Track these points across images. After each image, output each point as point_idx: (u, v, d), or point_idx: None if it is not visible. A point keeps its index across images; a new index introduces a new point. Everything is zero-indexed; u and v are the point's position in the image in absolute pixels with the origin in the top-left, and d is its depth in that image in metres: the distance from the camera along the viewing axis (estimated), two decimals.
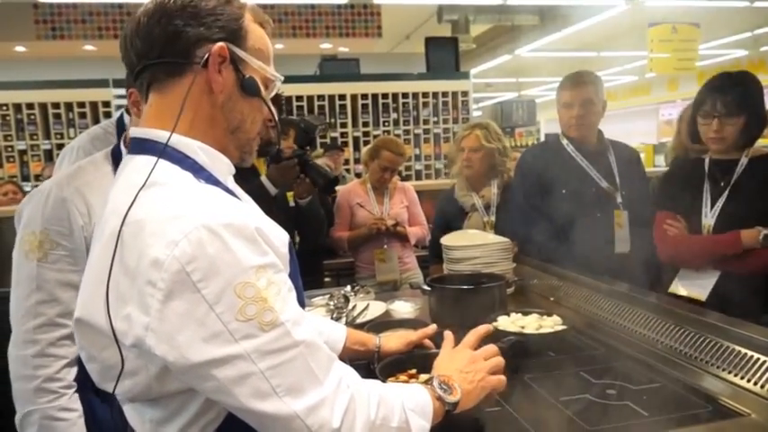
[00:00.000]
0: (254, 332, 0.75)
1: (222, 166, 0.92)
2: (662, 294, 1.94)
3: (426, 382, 0.98)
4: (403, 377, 1.21)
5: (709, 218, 2.01)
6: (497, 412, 1.17)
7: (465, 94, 5.86)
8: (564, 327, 1.55)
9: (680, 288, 2.05)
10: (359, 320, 1.82)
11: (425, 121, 5.81)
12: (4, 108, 5.18)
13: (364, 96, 5.64)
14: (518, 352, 1.39)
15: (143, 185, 0.81)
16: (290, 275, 0.85)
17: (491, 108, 10.72)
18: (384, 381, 1.13)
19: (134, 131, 0.91)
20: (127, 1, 5.97)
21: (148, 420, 0.86)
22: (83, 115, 5.26)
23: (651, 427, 1.12)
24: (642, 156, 3.18)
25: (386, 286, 3.04)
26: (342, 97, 5.59)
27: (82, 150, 1.85)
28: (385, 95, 5.69)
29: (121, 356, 0.79)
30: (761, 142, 2.25)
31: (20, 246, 1.37)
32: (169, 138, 0.86)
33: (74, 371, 1.38)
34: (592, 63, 9.08)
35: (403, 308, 1.90)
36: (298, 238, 2.68)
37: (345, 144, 5.57)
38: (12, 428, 1.37)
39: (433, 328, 1.42)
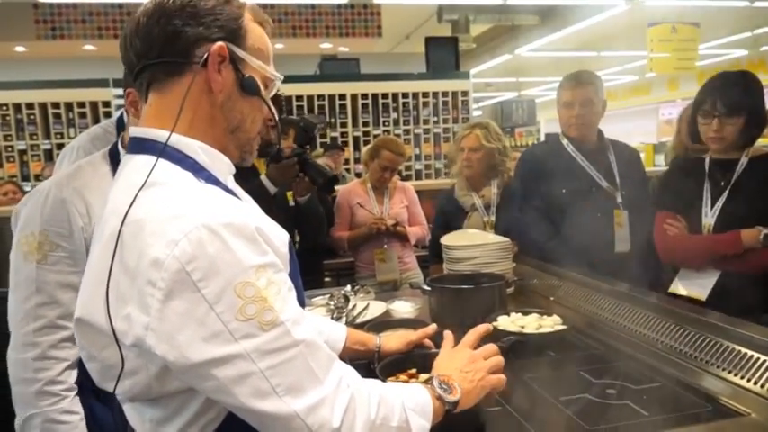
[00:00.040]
0: (253, 332, 0.75)
1: (222, 166, 0.92)
2: (662, 294, 1.94)
3: (426, 382, 0.98)
4: (403, 377, 1.21)
5: (709, 217, 2.01)
6: (497, 412, 1.17)
7: (465, 93, 5.87)
8: (564, 326, 1.55)
9: (680, 288, 2.05)
10: (359, 320, 1.82)
11: (425, 121, 5.81)
12: (4, 108, 5.18)
13: (364, 96, 5.64)
14: (518, 352, 1.39)
15: (143, 185, 0.81)
16: (290, 275, 0.85)
17: (491, 108, 10.72)
18: (384, 380, 1.13)
19: (133, 131, 0.91)
20: (127, 1, 5.97)
21: (148, 420, 0.86)
22: (83, 115, 5.26)
23: (651, 426, 1.11)
24: (642, 155, 3.18)
25: (386, 286, 3.04)
26: (342, 97, 5.59)
27: (82, 150, 1.85)
28: (385, 95, 5.69)
29: (121, 356, 0.79)
30: (761, 142, 2.25)
31: (18, 247, 1.35)
32: (168, 137, 0.86)
33: (74, 373, 1.37)
34: (592, 63, 9.09)
35: (403, 307, 1.90)
36: (298, 238, 2.69)
37: (345, 144, 5.57)
38: None
39: (432, 327, 1.42)
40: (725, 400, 1.20)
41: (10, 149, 5.23)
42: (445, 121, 5.83)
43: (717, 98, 1.96)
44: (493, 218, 2.71)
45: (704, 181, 2.06)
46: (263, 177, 2.25)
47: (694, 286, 2.01)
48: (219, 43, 0.87)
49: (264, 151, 2.20)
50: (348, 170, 5.54)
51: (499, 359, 1.08)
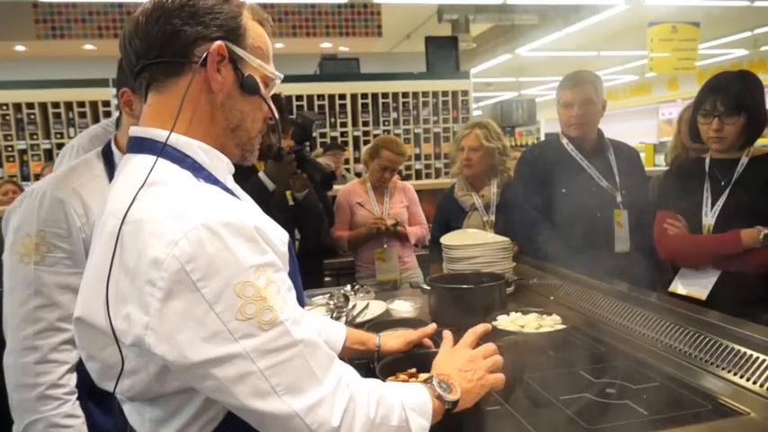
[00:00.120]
0: (253, 331, 0.75)
1: (221, 166, 0.92)
2: (662, 294, 1.94)
3: (426, 381, 0.98)
4: (403, 376, 1.21)
5: (709, 217, 2.01)
6: (497, 411, 1.17)
7: (465, 93, 5.86)
8: (563, 326, 1.55)
9: (680, 287, 2.05)
10: (359, 320, 1.82)
11: (425, 121, 5.81)
12: (4, 107, 5.18)
13: (364, 96, 5.64)
14: (518, 351, 1.39)
15: (142, 185, 0.81)
16: (290, 274, 0.86)
17: (491, 107, 10.73)
18: (384, 380, 1.13)
19: (133, 131, 0.92)
20: (127, 0, 5.97)
21: (148, 419, 0.86)
22: (83, 115, 5.26)
23: (651, 425, 1.12)
24: (642, 155, 3.18)
25: (386, 285, 3.04)
26: (342, 97, 5.59)
27: (82, 149, 1.84)
28: (385, 95, 5.69)
29: (121, 356, 0.79)
30: (761, 142, 2.25)
31: (12, 249, 1.32)
32: (168, 137, 0.86)
33: (74, 377, 1.34)
34: (592, 62, 9.09)
35: (403, 307, 1.90)
36: (299, 237, 2.68)
37: (345, 144, 5.57)
38: None
39: (432, 327, 1.42)
40: (724, 399, 1.20)
41: (10, 149, 5.23)
42: (445, 120, 5.83)
43: (717, 98, 1.96)
44: (493, 217, 2.71)
45: (704, 181, 2.06)
46: (261, 174, 2.26)
47: (694, 286, 2.01)
48: (219, 42, 0.87)
49: (266, 154, 2.21)
50: (348, 170, 5.54)
51: (498, 358, 1.08)
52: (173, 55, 0.86)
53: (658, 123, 14.56)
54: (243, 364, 0.75)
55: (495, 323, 1.59)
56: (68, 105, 5.26)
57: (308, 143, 2.36)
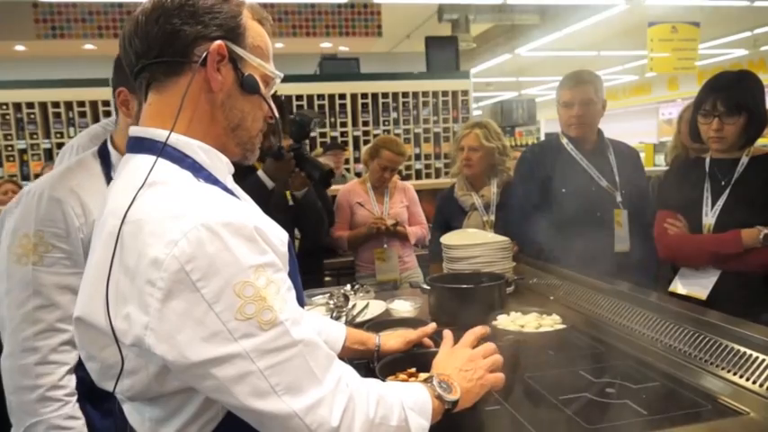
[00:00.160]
0: (253, 331, 0.75)
1: (221, 166, 0.92)
2: (662, 293, 1.94)
3: (426, 381, 0.98)
4: (403, 376, 1.21)
5: (709, 217, 2.01)
6: (497, 411, 1.17)
7: (465, 93, 5.86)
8: (563, 326, 1.55)
9: (680, 287, 2.06)
10: (358, 319, 1.82)
11: (425, 121, 5.81)
12: (4, 107, 5.18)
13: (364, 96, 5.64)
14: (517, 351, 1.39)
15: (142, 185, 0.81)
16: (290, 274, 0.86)
17: (491, 107, 10.72)
18: (384, 380, 1.13)
19: (133, 131, 0.92)
20: (127, 0, 5.97)
21: (148, 419, 0.86)
22: (83, 114, 5.26)
23: (650, 425, 1.12)
24: (642, 155, 3.18)
25: (386, 285, 3.04)
26: (342, 96, 5.59)
27: (81, 149, 1.83)
28: (385, 95, 5.69)
29: (121, 356, 0.79)
30: (761, 141, 2.25)
31: (9, 250, 1.30)
32: (168, 137, 0.86)
33: (74, 378, 1.33)
34: (592, 62, 9.09)
35: (402, 307, 1.90)
36: (299, 237, 2.68)
37: (345, 144, 5.57)
38: None
39: (432, 326, 1.42)
40: (724, 399, 1.20)
41: (10, 149, 5.23)
42: (445, 120, 5.82)
43: (717, 98, 1.96)
44: (492, 217, 2.71)
45: (704, 180, 2.06)
46: (259, 172, 2.26)
47: (694, 286, 2.01)
48: (218, 42, 0.87)
49: (265, 153, 2.21)
50: (348, 170, 5.54)
51: (498, 358, 1.08)
52: (172, 55, 0.86)
53: (658, 123, 14.56)
54: (242, 364, 0.75)
55: (495, 323, 1.59)
56: (68, 105, 5.26)
57: (306, 141, 2.36)
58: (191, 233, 0.74)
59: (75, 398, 1.32)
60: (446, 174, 5.39)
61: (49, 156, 5.17)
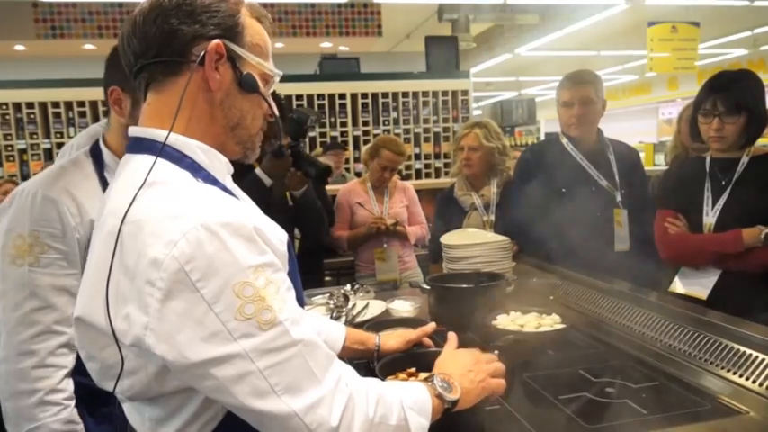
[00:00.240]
0: (252, 331, 0.75)
1: (220, 166, 0.92)
2: (662, 293, 1.94)
3: (426, 380, 0.98)
4: (402, 376, 1.21)
5: (710, 216, 2.01)
6: (497, 410, 1.17)
7: (465, 93, 5.85)
8: (563, 325, 1.55)
9: (680, 287, 2.05)
10: (358, 319, 1.82)
11: (425, 120, 5.80)
12: (4, 107, 5.17)
13: (364, 95, 5.63)
14: (517, 351, 1.39)
15: (142, 185, 0.81)
16: (289, 274, 0.86)
17: (491, 107, 10.73)
18: (383, 379, 1.13)
19: (132, 131, 0.92)
20: (127, 0, 5.97)
21: (148, 419, 0.86)
22: (83, 114, 5.25)
23: (650, 425, 1.12)
24: (642, 155, 3.18)
25: (385, 285, 3.04)
26: (342, 96, 5.58)
27: (81, 149, 1.84)
28: (385, 94, 5.68)
29: (121, 356, 0.79)
30: (761, 141, 2.25)
31: (3, 251, 1.27)
32: (167, 137, 0.86)
33: (72, 382, 1.30)
34: (592, 62, 9.09)
35: (402, 306, 1.91)
36: (299, 237, 2.68)
37: (345, 143, 5.56)
38: None
39: (432, 326, 1.42)
40: (724, 398, 1.20)
41: (10, 148, 5.22)
42: (445, 120, 5.82)
43: (717, 97, 1.96)
44: (492, 217, 2.71)
45: (705, 180, 2.06)
46: (257, 170, 2.26)
47: (695, 285, 2.01)
48: (216, 41, 0.86)
49: (265, 151, 2.21)
50: (348, 169, 5.54)
51: (500, 365, 1.10)
52: (171, 54, 0.86)
53: (658, 123, 14.56)
54: (242, 364, 0.75)
55: (494, 323, 1.59)
56: (68, 105, 5.25)
57: (304, 139, 2.36)
58: (190, 233, 0.74)
59: (73, 402, 1.29)
60: (446, 174, 5.39)
61: (49, 156, 5.16)
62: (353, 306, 1.94)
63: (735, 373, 1.26)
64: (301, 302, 0.92)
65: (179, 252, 0.74)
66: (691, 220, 2.06)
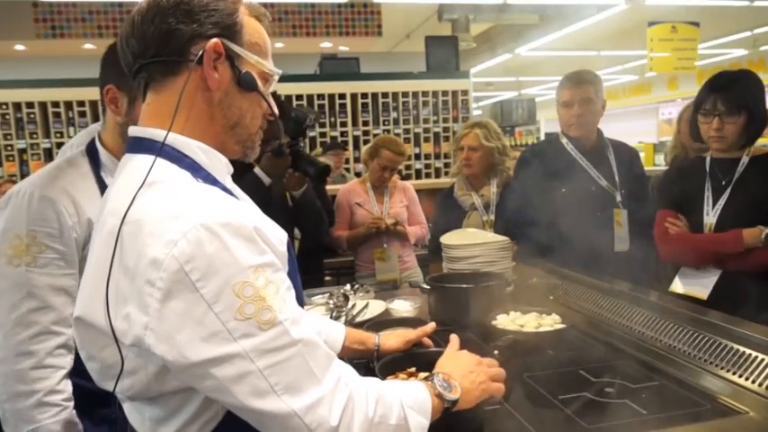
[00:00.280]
0: (252, 331, 0.75)
1: (220, 166, 0.92)
2: (662, 293, 1.94)
3: (427, 379, 0.99)
4: (402, 376, 1.21)
5: (710, 216, 2.01)
6: (496, 410, 1.17)
7: (465, 92, 5.85)
8: (563, 325, 1.55)
9: (680, 287, 2.06)
10: (358, 319, 1.82)
11: (425, 120, 5.80)
12: (4, 107, 5.17)
13: (364, 95, 5.63)
14: (517, 351, 1.39)
15: (141, 185, 0.81)
16: (289, 274, 0.86)
17: (491, 107, 10.73)
18: (383, 379, 1.14)
19: (132, 130, 0.92)
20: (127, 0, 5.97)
21: (148, 419, 0.86)
22: (83, 114, 5.25)
23: (650, 425, 1.12)
24: (642, 155, 3.18)
25: (385, 285, 3.04)
26: (342, 96, 5.58)
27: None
28: (385, 94, 5.69)
29: (121, 356, 0.79)
30: (761, 141, 2.25)
31: None
32: (166, 136, 0.86)
33: (70, 383, 1.28)
34: (592, 62, 9.08)
35: (402, 306, 1.90)
36: (299, 237, 2.68)
37: (345, 143, 5.57)
38: None
39: (431, 326, 1.42)
40: (723, 398, 1.20)
41: (10, 148, 5.22)
42: (445, 120, 5.82)
43: (717, 97, 1.96)
44: (492, 217, 2.71)
45: (705, 180, 2.06)
46: (256, 169, 2.26)
47: (695, 285, 2.01)
48: (214, 40, 0.86)
49: (264, 150, 2.21)
50: (348, 169, 5.54)
51: (501, 370, 1.11)
52: (169, 54, 0.86)
53: (658, 123, 14.56)
54: (242, 364, 0.75)
55: (494, 323, 1.59)
56: (68, 105, 5.25)
57: (302, 138, 2.36)
58: (190, 233, 0.74)
59: (72, 404, 1.28)
60: (446, 174, 5.39)
61: (49, 155, 5.16)
62: (353, 306, 1.94)
63: (734, 374, 1.26)
64: (301, 302, 0.93)
65: (179, 252, 0.74)
66: (691, 220, 2.06)
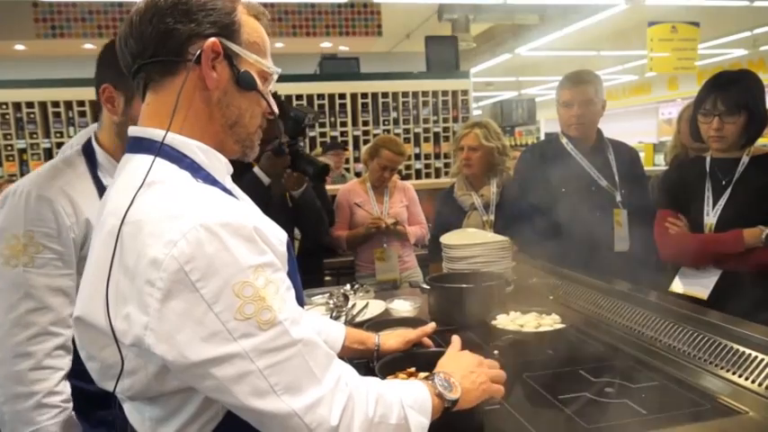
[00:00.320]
0: (252, 331, 0.75)
1: (220, 166, 0.92)
2: (662, 293, 1.94)
3: (427, 378, 0.99)
4: (402, 375, 1.21)
5: (710, 216, 2.01)
6: (496, 410, 1.17)
7: (465, 92, 5.85)
8: (563, 325, 1.55)
9: (681, 287, 2.05)
10: (358, 319, 1.82)
11: (425, 120, 5.80)
12: (4, 107, 5.17)
13: (364, 95, 5.63)
14: (517, 351, 1.39)
15: (141, 185, 0.81)
16: (289, 274, 0.86)
17: (491, 107, 10.73)
18: (383, 379, 1.13)
19: (132, 130, 0.92)
20: None
21: (148, 418, 0.86)
22: (83, 114, 5.25)
23: (649, 425, 1.12)
24: (642, 155, 3.18)
25: (385, 285, 3.04)
26: (342, 96, 5.58)
27: None
28: (385, 94, 5.69)
29: (121, 356, 0.79)
30: (761, 141, 2.25)
31: None
32: (165, 136, 0.85)
33: (69, 384, 1.27)
34: (592, 62, 9.08)
35: (402, 306, 1.90)
36: (299, 237, 2.68)
37: (345, 143, 5.57)
38: None
39: (431, 326, 1.42)
40: (723, 398, 1.20)
41: (9, 148, 5.22)
42: (445, 120, 5.82)
43: (717, 97, 1.96)
44: (492, 217, 2.71)
45: (705, 180, 2.06)
46: (255, 169, 2.26)
47: (695, 285, 2.01)
48: (212, 39, 0.86)
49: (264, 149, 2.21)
50: (348, 169, 5.54)
51: (502, 372, 1.11)
52: (167, 54, 0.86)
53: (658, 123, 14.56)
54: (242, 364, 0.75)
55: (494, 322, 1.59)
56: (68, 104, 5.25)
57: (301, 137, 2.36)
58: (190, 233, 0.74)
59: (71, 404, 1.27)
60: (446, 174, 5.39)
61: (49, 155, 5.15)
62: (353, 306, 1.94)
63: (734, 374, 1.26)
64: (301, 302, 0.93)
65: (179, 252, 0.74)
66: (691, 220, 2.06)
